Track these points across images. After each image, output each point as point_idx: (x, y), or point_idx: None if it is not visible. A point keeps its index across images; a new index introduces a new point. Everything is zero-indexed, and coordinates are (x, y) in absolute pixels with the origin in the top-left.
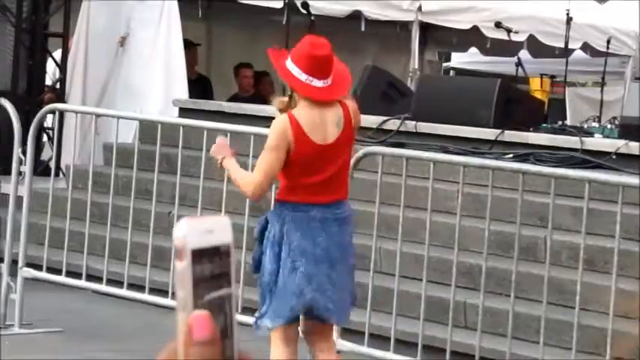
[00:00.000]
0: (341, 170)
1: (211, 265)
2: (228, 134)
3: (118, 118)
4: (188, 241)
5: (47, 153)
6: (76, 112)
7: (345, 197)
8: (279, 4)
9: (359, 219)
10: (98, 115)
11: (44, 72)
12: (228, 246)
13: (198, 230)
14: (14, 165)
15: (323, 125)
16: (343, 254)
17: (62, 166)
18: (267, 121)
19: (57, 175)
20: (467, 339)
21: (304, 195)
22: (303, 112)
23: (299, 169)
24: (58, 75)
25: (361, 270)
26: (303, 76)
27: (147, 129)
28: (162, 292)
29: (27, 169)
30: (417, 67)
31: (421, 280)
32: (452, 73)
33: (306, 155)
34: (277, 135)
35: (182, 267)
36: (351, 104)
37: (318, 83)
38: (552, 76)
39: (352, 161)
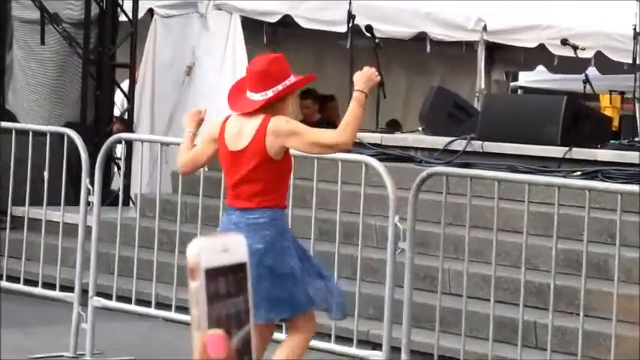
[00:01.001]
0: (252, 179)
1: (226, 283)
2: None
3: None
4: (201, 260)
5: (117, 183)
6: (142, 141)
7: (263, 205)
8: (344, 29)
9: (425, 240)
10: (164, 144)
11: (112, 103)
12: (244, 264)
13: (211, 249)
14: (82, 195)
15: (239, 134)
16: (251, 261)
17: (132, 195)
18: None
19: (127, 204)
20: (538, 359)
21: (229, 199)
22: (232, 118)
23: (224, 172)
24: (126, 105)
25: (429, 291)
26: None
27: None
28: None
29: (95, 198)
30: (483, 87)
31: (489, 300)
32: (520, 92)
33: (222, 159)
34: (208, 128)
35: (195, 286)
36: (276, 120)
37: (255, 96)
38: (622, 93)
39: (416, 181)
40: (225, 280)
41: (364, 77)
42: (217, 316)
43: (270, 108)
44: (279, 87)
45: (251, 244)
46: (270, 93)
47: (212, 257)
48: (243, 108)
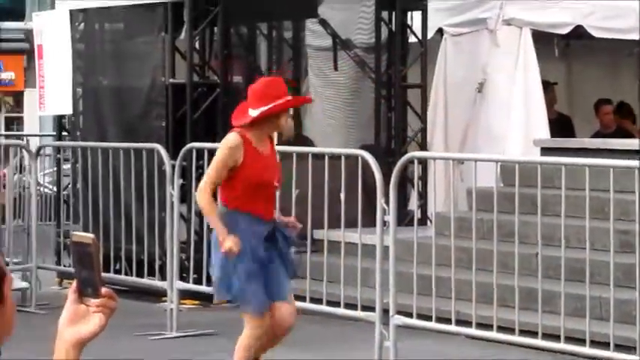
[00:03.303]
0: None
1: None
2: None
3: (476, 161)
4: None
5: (415, 203)
6: (434, 159)
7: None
8: (637, 36)
9: None
10: (455, 160)
11: (405, 123)
12: None
13: None
14: (378, 216)
15: None
16: None
17: (429, 214)
18: (630, 155)
19: (424, 223)
20: None
21: None
22: None
23: None
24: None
25: None
26: None
27: (508, 171)
28: (531, 333)
29: (391, 218)
30: None
31: None
32: None
33: None
34: None
35: None
36: (225, 137)
37: (251, 112)
38: None
39: None
40: None
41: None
42: None
43: (265, 122)
44: (271, 104)
45: None
46: (263, 109)
47: None
48: (238, 121)
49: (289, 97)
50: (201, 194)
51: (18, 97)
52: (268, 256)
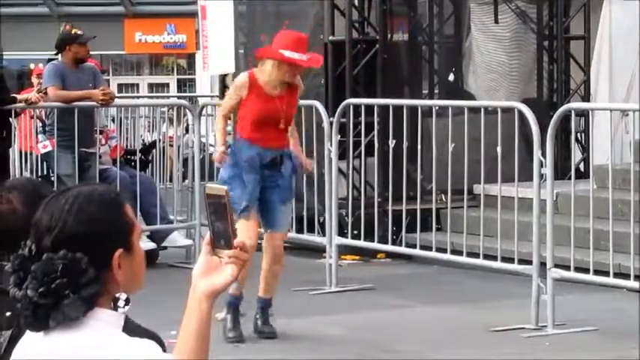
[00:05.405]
0: None
1: None
2: None
3: (634, 111)
4: None
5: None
6: (591, 110)
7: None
8: None
9: None
10: (613, 111)
11: (568, 76)
12: None
13: None
14: (535, 168)
15: None
16: None
17: (592, 167)
18: None
19: (588, 176)
20: None
21: None
22: None
23: None
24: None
25: None
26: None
27: None
28: None
29: (548, 171)
30: None
31: None
32: None
33: None
34: None
35: None
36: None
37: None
38: None
39: None
40: None
41: None
42: None
43: (273, 67)
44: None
45: None
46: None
47: None
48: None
49: (296, 55)
50: (215, 119)
51: (190, 60)
52: (268, 181)
